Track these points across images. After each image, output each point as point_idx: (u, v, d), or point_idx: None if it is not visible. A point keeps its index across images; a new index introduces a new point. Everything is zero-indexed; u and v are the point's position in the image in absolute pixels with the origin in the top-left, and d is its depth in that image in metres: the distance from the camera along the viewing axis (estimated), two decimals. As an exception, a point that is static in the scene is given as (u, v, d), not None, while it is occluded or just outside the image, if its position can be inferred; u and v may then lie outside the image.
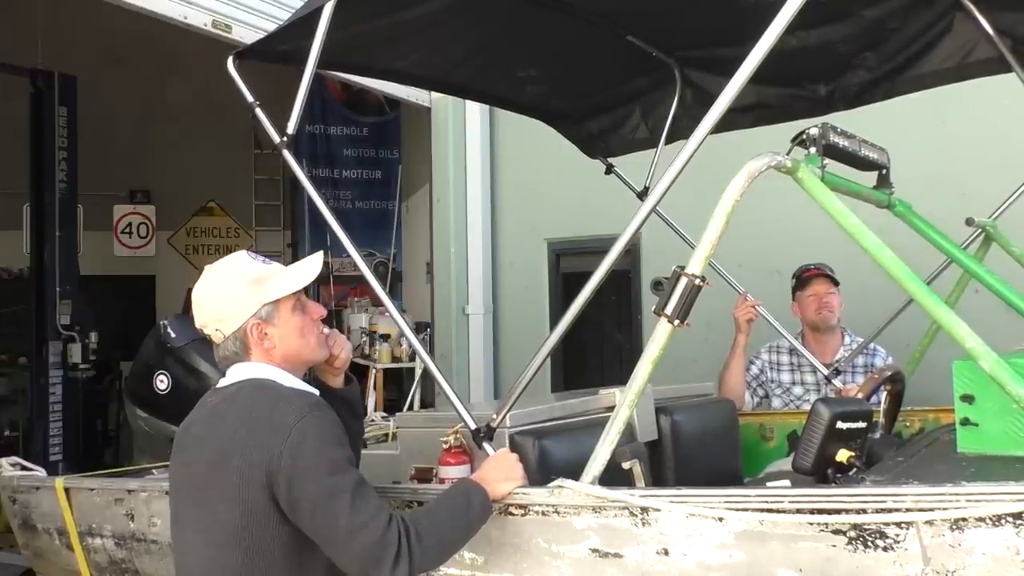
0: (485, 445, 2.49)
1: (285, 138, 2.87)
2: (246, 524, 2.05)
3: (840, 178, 2.49)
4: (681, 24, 3.39)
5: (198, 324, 2.25)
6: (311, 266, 2.29)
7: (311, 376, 2.37)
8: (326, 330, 2.38)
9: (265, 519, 2.05)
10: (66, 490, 3.67)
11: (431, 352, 7.14)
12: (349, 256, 2.92)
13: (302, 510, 2.03)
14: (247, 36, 5.32)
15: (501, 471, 2.33)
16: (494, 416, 2.53)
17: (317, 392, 2.28)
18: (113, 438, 9.83)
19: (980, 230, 3.47)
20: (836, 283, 4.33)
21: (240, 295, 2.20)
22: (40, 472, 4.04)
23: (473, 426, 2.53)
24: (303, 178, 3.00)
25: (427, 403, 7.39)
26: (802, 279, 4.37)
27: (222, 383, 2.26)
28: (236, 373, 2.24)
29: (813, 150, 2.35)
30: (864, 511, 1.91)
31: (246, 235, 11.33)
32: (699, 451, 3.46)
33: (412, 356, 7.27)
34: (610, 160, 4.43)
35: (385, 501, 2.16)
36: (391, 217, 9.93)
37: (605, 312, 6.86)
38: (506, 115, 6.36)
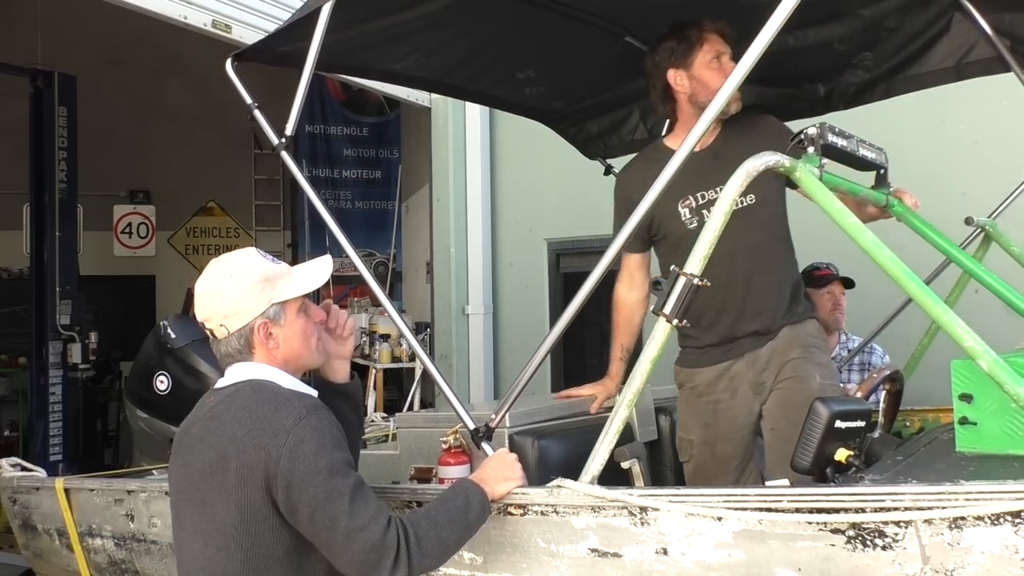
0: (484, 445, 2.49)
1: (283, 139, 2.87)
2: (245, 526, 2.04)
3: (838, 178, 2.49)
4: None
5: (201, 318, 2.23)
6: (321, 269, 2.29)
7: (310, 376, 2.37)
8: (343, 317, 2.39)
9: (264, 521, 2.05)
10: (66, 491, 3.68)
11: (431, 352, 7.14)
12: (349, 257, 2.92)
13: (301, 513, 2.03)
14: (247, 36, 5.33)
15: (500, 471, 2.33)
16: (493, 416, 2.54)
17: (316, 393, 2.27)
18: (113, 438, 9.85)
19: (979, 229, 3.47)
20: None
21: (250, 292, 2.18)
22: (40, 472, 4.04)
23: (472, 426, 2.53)
24: (301, 179, 3.00)
25: (427, 403, 7.40)
26: (815, 277, 4.40)
27: (220, 383, 2.25)
28: (235, 373, 2.23)
29: (811, 150, 2.36)
30: (863, 510, 1.91)
31: (246, 235, 11.36)
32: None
33: (412, 356, 7.28)
34: (609, 161, 4.43)
35: (385, 503, 2.15)
36: (391, 217, 9.95)
37: (605, 312, 6.86)
38: (506, 115, 6.35)
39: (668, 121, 3.42)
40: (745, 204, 3.02)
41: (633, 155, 3.55)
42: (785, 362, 3.12)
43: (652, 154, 3.31)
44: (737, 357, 3.15)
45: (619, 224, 3.23)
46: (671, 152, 3.21)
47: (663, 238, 3.18)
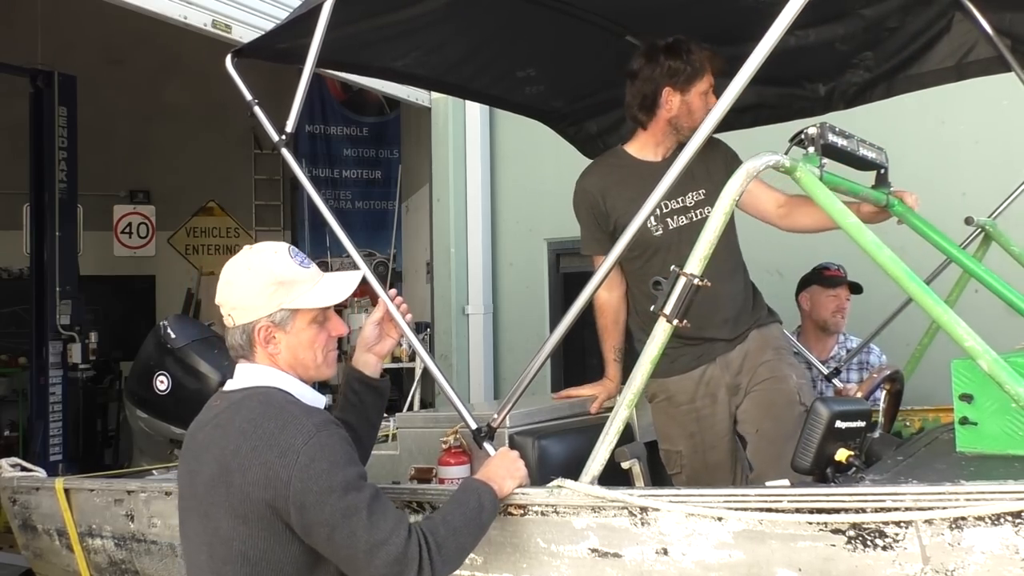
0: (486, 445, 2.49)
1: (284, 136, 2.86)
2: (253, 541, 2.00)
3: (839, 177, 2.49)
4: (681, 24, 3.39)
5: (216, 300, 2.20)
6: (344, 285, 2.23)
7: (316, 383, 2.33)
8: (399, 301, 2.46)
9: (270, 537, 2.01)
10: (66, 491, 3.67)
11: (431, 352, 7.13)
12: (349, 256, 2.92)
13: (317, 534, 1.98)
14: (247, 36, 5.32)
15: (504, 468, 2.32)
16: (495, 416, 2.53)
17: (324, 402, 2.24)
18: (113, 438, 9.83)
19: (979, 229, 3.47)
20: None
21: (261, 292, 2.14)
22: (40, 473, 4.04)
23: (474, 426, 2.53)
24: (302, 176, 2.99)
25: (427, 403, 7.39)
26: (825, 277, 4.40)
27: (229, 385, 2.21)
28: (244, 376, 2.19)
29: (811, 149, 2.36)
30: (863, 510, 1.91)
31: (246, 235, 11.33)
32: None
33: (412, 356, 7.28)
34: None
35: (405, 512, 2.12)
36: (391, 217, 9.93)
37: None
38: (506, 115, 6.36)
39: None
40: (704, 215, 3.06)
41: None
42: (760, 364, 3.17)
43: (612, 159, 3.35)
44: (710, 362, 3.18)
45: (586, 228, 3.29)
46: (632, 159, 3.26)
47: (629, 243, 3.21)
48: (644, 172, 3.15)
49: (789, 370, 3.21)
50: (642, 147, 3.26)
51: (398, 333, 2.55)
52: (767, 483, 2.21)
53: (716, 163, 3.06)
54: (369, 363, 2.53)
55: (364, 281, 2.81)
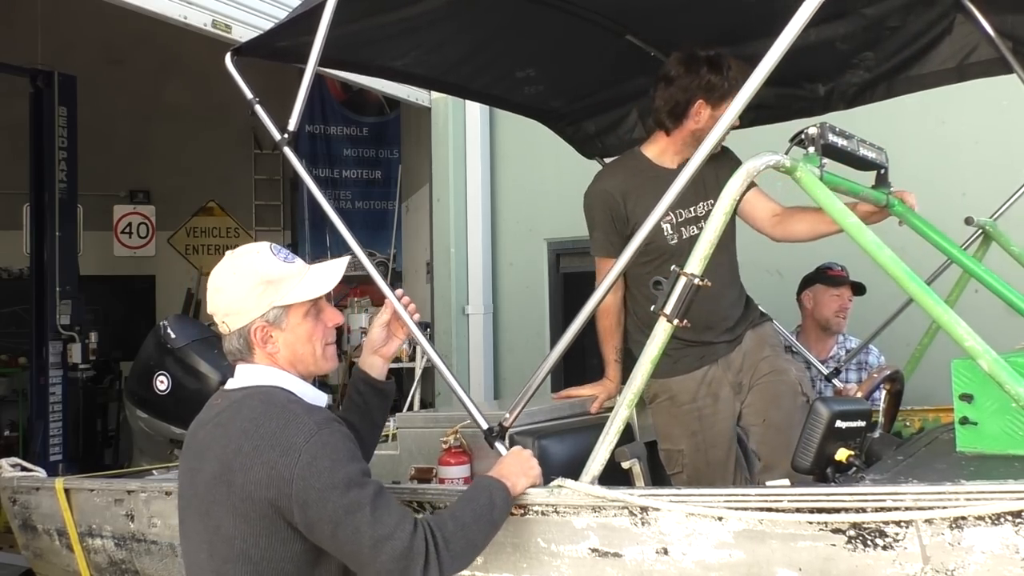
0: (497, 444, 2.48)
1: (286, 135, 2.85)
2: (255, 540, 2.00)
3: (839, 178, 2.49)
4: (680, 23, 3.39)
5: (208, 311, 2.20)
6: (332, 273, 2.22)
7: (316, 382, 2.33)
8: (406, 301, 2.46)
9: (275, 534, 2.00)
10: (66, 491, 3.67)
11: (431, 352, 7.11)
12: (351, 254, 2.91)
13: (321, 530, 1.98)
14: (247, 36, 5.31)
15: (518, 467, 2.31)
16: (506, 416, 2.52)
17: (325, 400, 2.24)
18: (113, 438, 9.84)
19: (980, 230, 3.47)
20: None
21: (250, 294, 2.13)
22: (40, 473, 4.04)
23: (485, 426, 2.52)
24: (304, 174, 2.98)
25: (427, 403, 7.39)
26: (828, 276, 4.42)
27: (230, 385, 2.21)
28: (244, 376, 2.19)
29: (812, 149, 2.36)
30: (863, 510, 1.91)
31: (246, 235, 11.33)
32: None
33: (413, 356, 7.29)
34: (607, 160, 4.42)
35: (409, 509, 2.11)
36: (391, 217, 9.93)
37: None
38: (506, 115, 6.36)
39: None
40: None
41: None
42: (759, 360, 3.26)
43: (632, 163, 3.35)
44: (712, 362, 3.24)
45: (600, 230, 3.30)
46: (652, 164, 3.27)
47: (643, 248, 3.22)
48: (664, 179, 3.15)
49: (787, 364, 3.31)
50: (661, 153, 3.27)
51: (404, 334, 2.54)
52: (767, 483, 2.21)
53: (725, 172, 3.05)
54: (375, 365, 2.52)
55: (366, 280, 2.82)
